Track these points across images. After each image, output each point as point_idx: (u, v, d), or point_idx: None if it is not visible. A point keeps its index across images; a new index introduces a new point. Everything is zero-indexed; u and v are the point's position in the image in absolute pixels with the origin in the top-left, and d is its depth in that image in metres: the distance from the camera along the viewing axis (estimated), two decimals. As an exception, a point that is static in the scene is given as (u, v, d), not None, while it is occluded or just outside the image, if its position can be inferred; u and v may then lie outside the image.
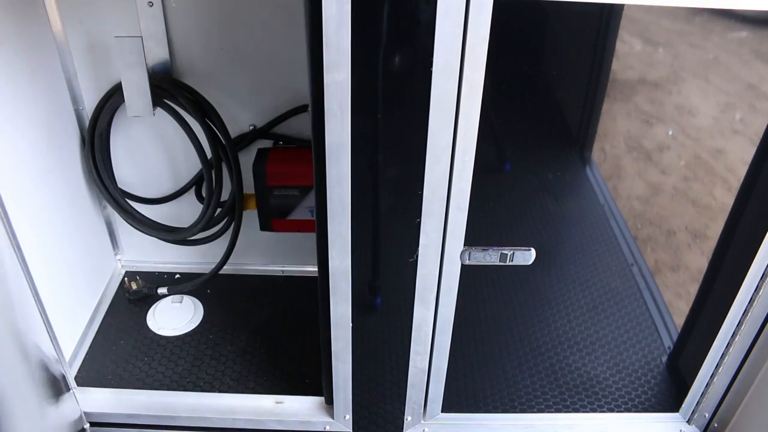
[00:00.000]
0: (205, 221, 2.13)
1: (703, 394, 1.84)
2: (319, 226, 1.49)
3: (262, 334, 2.24)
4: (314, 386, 2.00)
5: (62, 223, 2.01)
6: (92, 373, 2.06)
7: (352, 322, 1.64)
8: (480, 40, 1.21)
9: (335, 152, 1.35)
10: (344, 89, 1.26)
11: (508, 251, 1.53)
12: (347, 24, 1.19)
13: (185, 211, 2.35)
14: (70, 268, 2.09)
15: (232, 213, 2.13)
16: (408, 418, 1.86)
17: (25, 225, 1.73)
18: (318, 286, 1.60)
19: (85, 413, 1.92)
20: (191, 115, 1.95)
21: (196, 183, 2.26)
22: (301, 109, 2.11)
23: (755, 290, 1.61)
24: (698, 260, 1.63)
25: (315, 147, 1.36)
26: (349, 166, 1.37)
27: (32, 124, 1.82)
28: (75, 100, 2.06)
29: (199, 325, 2.27)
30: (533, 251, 1.54)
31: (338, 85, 1.26)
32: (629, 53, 1.29)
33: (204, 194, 2.12)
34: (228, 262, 2.21)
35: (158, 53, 1.99)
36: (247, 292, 2.43)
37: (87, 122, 2.09)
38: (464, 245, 1.50)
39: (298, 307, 2.37)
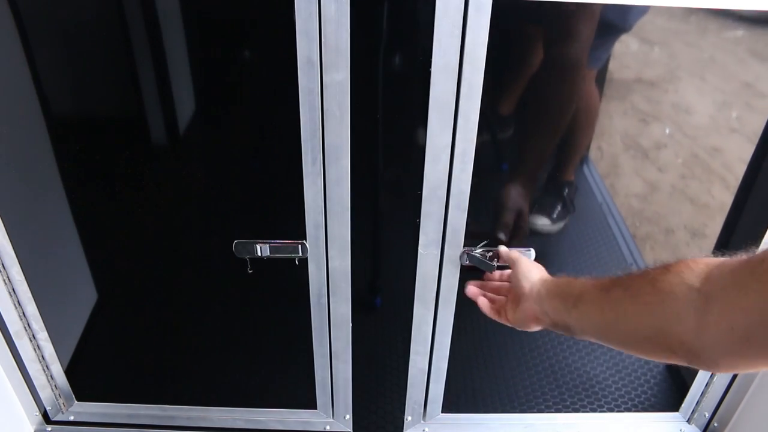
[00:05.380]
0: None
1: (702, 394, 1.84)
2: (319, 226, 1.49)
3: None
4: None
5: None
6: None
7: (352, 322, 1.64)
8: (479, 41, 1.22)
9: (335, 152, 1.35)
10: (343, 89, 1.27)
11: (507, 251, 1.53)
12: (346, 24, 1.20)
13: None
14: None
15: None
16: (408, 418, 1.86)
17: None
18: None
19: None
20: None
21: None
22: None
23: (754, 289, 1.61)
24: (697, 259, 1.63)
25: (315, 147, 1.37)
26: (348, 166, 1.37)
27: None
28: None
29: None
30: (533, 251, 1.54)
31: (337, 86, 1.27)
32: (625, 52, 1.30)
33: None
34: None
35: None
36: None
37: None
38: (464, 245, 1.51)
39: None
